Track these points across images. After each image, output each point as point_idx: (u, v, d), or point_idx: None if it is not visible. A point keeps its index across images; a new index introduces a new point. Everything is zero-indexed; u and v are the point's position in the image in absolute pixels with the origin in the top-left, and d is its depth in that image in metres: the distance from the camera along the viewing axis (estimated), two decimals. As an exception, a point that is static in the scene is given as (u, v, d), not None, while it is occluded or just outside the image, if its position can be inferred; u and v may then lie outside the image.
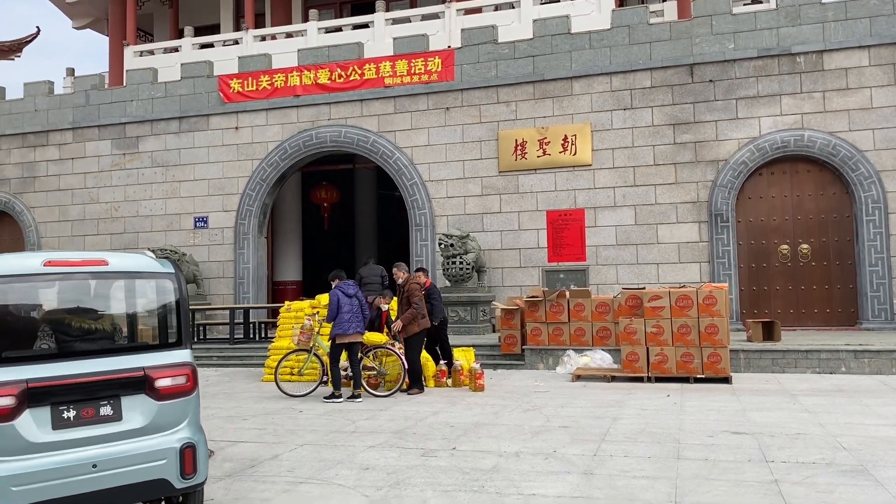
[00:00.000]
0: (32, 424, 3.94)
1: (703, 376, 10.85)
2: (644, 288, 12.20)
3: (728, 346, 10.95)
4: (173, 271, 4.79)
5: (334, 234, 23.19)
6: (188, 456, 4.44)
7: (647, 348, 11.13)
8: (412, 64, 17.07)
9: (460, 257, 15.15)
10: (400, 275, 11.18)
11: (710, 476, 5.82)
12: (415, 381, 10.55)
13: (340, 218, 23.07)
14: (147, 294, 4.74)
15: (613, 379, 11.27)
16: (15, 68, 45.64)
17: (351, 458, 6.68)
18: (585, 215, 15.86)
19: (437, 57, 16.93)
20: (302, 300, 14.01)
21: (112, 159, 19.18)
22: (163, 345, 4.65)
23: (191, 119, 18.65)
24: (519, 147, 16.30)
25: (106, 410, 4.21)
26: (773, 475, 5.80)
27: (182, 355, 4.64)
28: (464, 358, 11.58)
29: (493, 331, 15.49)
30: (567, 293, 12.92)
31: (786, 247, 15.12)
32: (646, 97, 15.68)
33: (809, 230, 15.11)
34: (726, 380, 10.76)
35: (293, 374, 11.47)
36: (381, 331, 11.28)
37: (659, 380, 11.03)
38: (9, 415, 3.86)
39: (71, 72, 22.74)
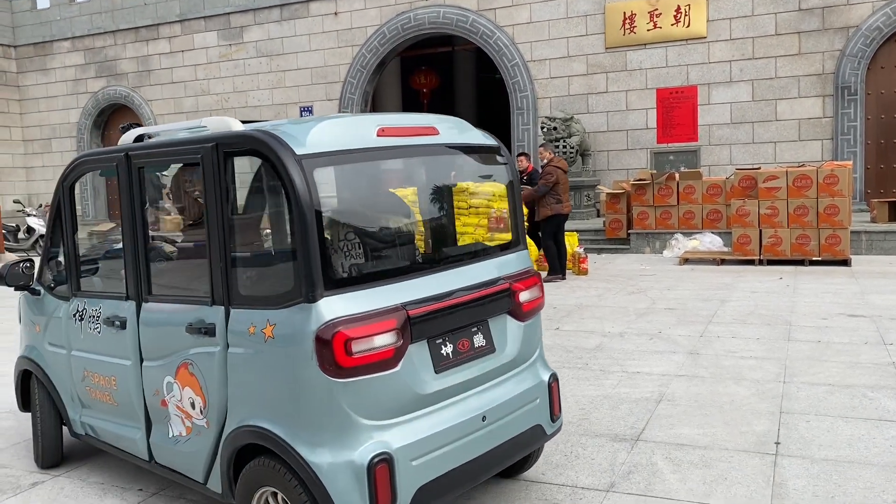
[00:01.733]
0: (416, 368, 2.85)
1: (819, 259, 10.43)
2: (759, 168, 11.63)
3: (849, 227, 10.41)
4: (501, 145, 3.62)
5: (436, 120, 23.04)
6: (555, 391, 3.48)
7: (760, 230, 10.74)
8: (513, -64, 16.20)
9: (564, 140, 14.83)
10: (525, 163, 10.91)
11: (822, 358, 5.71)
12: (552, 268, 10.20)
13: (440, 104, 22.89)
14: (484, 175, 3.66)
15: (723, 262, 11.00)
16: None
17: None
18: (698, 92, 15.04)
19: (539, -74, 15.98)
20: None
21: (219, 50, 19.59)
22: (507, 245, 3.52)
23: (292, 6, 18.65)
24: (627, 20, 15.43)
25: (479, 340, 3.14)
26: (890, 358, 5.62)
27: (526, 258, 3.55)
28: (567, 242, 11.57)
29: (598, 215, 15.30)
30: (676, 175, 12.51)
31: (921, 121, 13.91)
32: (768, -41, 14.35)
33: (950, 102, 13.78)
34: (845, 262, 10.30)
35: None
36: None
37: (771, 262, 10.69)
38: (392, 358, 2.73)
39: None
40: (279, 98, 19.05)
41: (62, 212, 3.97)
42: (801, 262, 10.53)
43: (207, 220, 3.04)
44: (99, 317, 3.66)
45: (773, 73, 14.51)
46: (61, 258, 4.09)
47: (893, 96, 14.09)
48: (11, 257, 16.63)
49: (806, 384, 5.09)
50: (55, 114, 22.07)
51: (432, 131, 3.26)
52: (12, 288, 4.17)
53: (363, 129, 3.00)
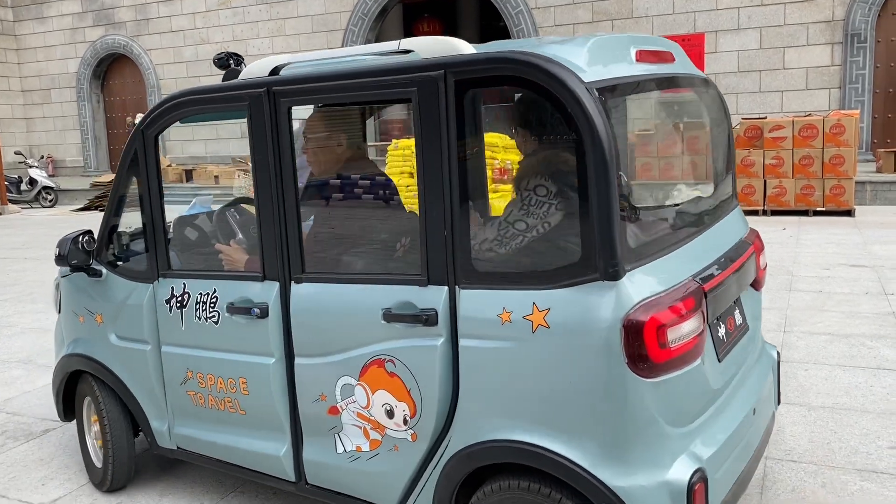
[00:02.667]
0: (706, 357, 2.32)
1: (822, 209, 10.40)
2: (766, 118, 11.52)
3: (854, 177, 10.35)
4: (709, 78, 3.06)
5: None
6: (778, 370, 3.03)
7: (765, 181, 10.69)
8: None
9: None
10: None
11: (823, 308, 5.74)
12: None
13: (444, 52, 22.53)
14: (711, 114, 2.95)
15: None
16: None
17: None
18: (705, 40, 14.79)
19: None
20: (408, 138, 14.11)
21: (218, -2, 19.26)
22: (731, 199, 3.03)
23: (291, -48, 18.25)
24: (633, -34, 15.09)
25: (738, 317, 2.67)
26: (891, 307, 5.66)
27: (742, 215, 3.09)
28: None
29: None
30: (681, 126, 12.39)
31: (931, 69, 13.70)
32: None
33: (962, 49, 13.55)
34: (848, 213, 10.28)
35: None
36: None
37: (775, 213, 10.67)
38: (696, 347, 2.19)
39: None
40: (279, 47, 18.78)
41: (142, 169, 3.04)
42: (804, 213, 10.51)
43: (424, 174, 2.30)
44: (215, 303, 2.87)
45: (781, 21, 14.24)
46: (128, 228, 3.31)
47: (904, 44, 13.85)
48: (14, 208, 16.65)
49: (806, 333, 5.14)
50: (54, 63, 21.81)
51: (671, 58, 2.70)
52: (69, 269, 3.37)
53: (622, 51, 2.41)
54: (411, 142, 12.66)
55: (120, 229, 3.30)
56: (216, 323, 2.87)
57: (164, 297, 3.03)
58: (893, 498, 3.07)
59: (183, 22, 19.84)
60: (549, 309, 2.11)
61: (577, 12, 15.74)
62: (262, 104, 2.65)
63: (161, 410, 3.21)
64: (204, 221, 3.64)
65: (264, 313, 2.70)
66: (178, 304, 2.98)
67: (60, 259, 3.24)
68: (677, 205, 2.61)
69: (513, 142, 3.18)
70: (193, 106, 2.90)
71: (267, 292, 2.71)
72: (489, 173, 11.35)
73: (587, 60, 2.19)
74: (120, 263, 3.25)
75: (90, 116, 21.35)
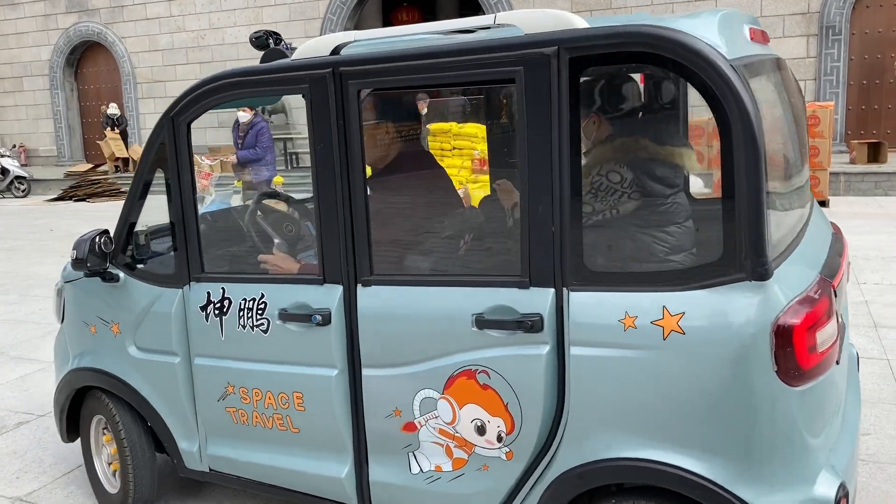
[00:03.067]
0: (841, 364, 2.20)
1: (798, 200, 10.52)
2: (741, 109, 11.61)
3: (828, 168, 10.48)
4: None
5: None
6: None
7: (741, 172, 10.79)
8: None
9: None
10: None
11: (797, 297, 5.82)
12: None
13: (423, 41, 22.42)
14: (795, 100, 2.68)
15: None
16: None
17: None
18: (682, 31, 14.86)
19: None
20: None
21: (194, -15, 19.00)
22: None
23: (268, -61, 18.05)
24: (612, -43, 15.10)
25: (840, 315, 2.38)
26: (864, 296, 5.75)
27: None
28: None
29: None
30: (780, 110, 12.44)
31: (904, 61, 13.88)
32: None
33: (934, 42, 13.74)
34: (823, 203, 10.41)
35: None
36: None
37: (751, 204, 10.77)
38: (834, 349, 2.05)
39: None
40: (257, 35, 18.56)
41: (170, 160, 2.69)
42: (779, 204, 10.62)
43: (529, 164, 2.07)
44: (263, 309, 2.56)
45: (758, 12, 14.35)
46: (145, 227, 2.99)
47: (878, 36, 14.01)
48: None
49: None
50: (26, 51, 21.41)
51: (768, 39, 2.50)
52: (82, 274, 2.98)
53: (741, 29, 2.21)
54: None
55: (147, 227, 2.99)
56: (265, 331, 2.56)
57: (197, 303, 2.70)
58: None
59: (158, 9, 19.56)
60: (683, 313, 1.91)
61: (557, 2, 15.74)
62: (326, 87, 2.34)
63: (190, 429, 2.88)
64: (233, 219, 3.32)
65: (326, 320, 2.41)
66: (217, 312, 2.66)
67: (79, 263, 2.88)
68: (790, 193, 2.41)
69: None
70: (237, 90, 2.56)
71: (328, 297, 2.43)
72: (468, 164, 11.38)
73: (721, 37, 1.96)
74: (140, 266, 2.91)
75: (63, 105, 21.01)
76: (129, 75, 20.07)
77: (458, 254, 2.61)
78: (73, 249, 2.89)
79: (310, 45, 2.47)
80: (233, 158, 8.75)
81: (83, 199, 15.92)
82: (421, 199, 2.94)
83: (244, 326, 2.61)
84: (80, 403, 3.26)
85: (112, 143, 17.75)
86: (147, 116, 19.94)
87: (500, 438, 2.22)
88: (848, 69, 14.10)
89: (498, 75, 2.10)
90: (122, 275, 2.91)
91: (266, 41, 2.93)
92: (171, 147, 2.68)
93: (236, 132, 8.70)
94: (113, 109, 17.69)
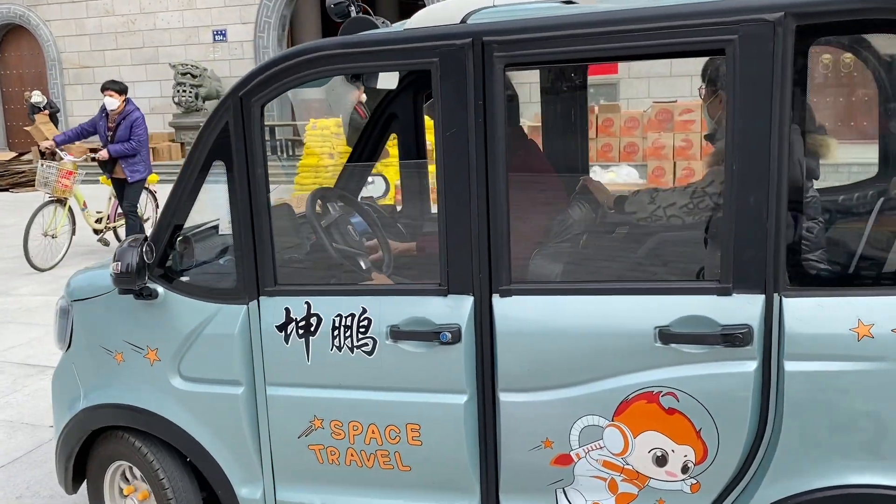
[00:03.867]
0: None
1: (729, 191, 10.85)
2: (676, 101, 11.89)
3: None
4: None
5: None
6: None
7: (675, 163, 11.05)
8: None
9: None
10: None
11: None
12: None
13: (363, 30, 22.22)
14: None
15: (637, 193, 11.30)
16: None
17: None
18: (618, 25, 15.10)
19: None
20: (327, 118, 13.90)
21: (123, -32, 18.35)
22: None
23: (201, -78, 17.56)
24: (550, -51, 15.21)
25: None
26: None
27: None
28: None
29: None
30: (595, 108, 12.65)
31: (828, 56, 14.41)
32: None
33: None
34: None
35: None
36: None
37: (684, 194, 11.05)
38: None
39: None
40: (190, 20, 18.07)
41: (236, 149, 2.24)
42: (711, 194, 10.93)
43: (737, 148, 1.81)
44: (366, 327, 2.17)
45: (691, 7, 14.68)
46: (194, 231, 2.58)
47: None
48: None
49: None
50: (-59, 33, 20.37)
51: None
52: (118, 290, 2.43)
53: None
54: (330, 121, 12.48)
55: (193, 233, 2.58)
56: (369, 353, 2.17)
57: (273, 321, 2.26)
58: None
59: (85, -8, 18.84)
60: None
61: (496, -7, 15.76)
62: (462, 61, 1.98)
63: (253, 472, 2.42)
64: (296, 217, 2.88)
65: (455, 338, 2.05)
66: (302, 331, 2.23)
67: (125, 279, 2.31)
68: None
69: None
70: (333, 65, 2.14)
71: (455, 310, 2.07)
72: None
73: None
74: (185, 279, 2.45)
75: (-16, 90, 20.08)
76: (54, 60, 19.28)
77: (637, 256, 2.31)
78: (116, 261, 2.33)
79: (433, 11, 2.09)
80: (103, 153, 7.60)
81: (6, 190, 15.26)
82: (565, 193, 2.60)
83: (340, 348, 2.19)
84: (87, 449, 2.74)
85: (43, 128, 16.99)
86: (74, 103, 19.21)
87: (685, 469, 1.95)
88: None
89: (701, 45, 1.81)
90: (160, 290, 2.40)
91: (347, 8, 2.54)
92: (237, 133, 2.22)
93: (104, 123, 7.68)
94: (37, 97, 16.98)
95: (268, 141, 16.02)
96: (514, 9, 2.09)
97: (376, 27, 2.41)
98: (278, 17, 17.44)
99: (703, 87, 2.49)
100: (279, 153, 16.38)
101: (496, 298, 2.05)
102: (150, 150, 8.89)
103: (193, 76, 16.84)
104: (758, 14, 1.72)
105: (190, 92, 16.83)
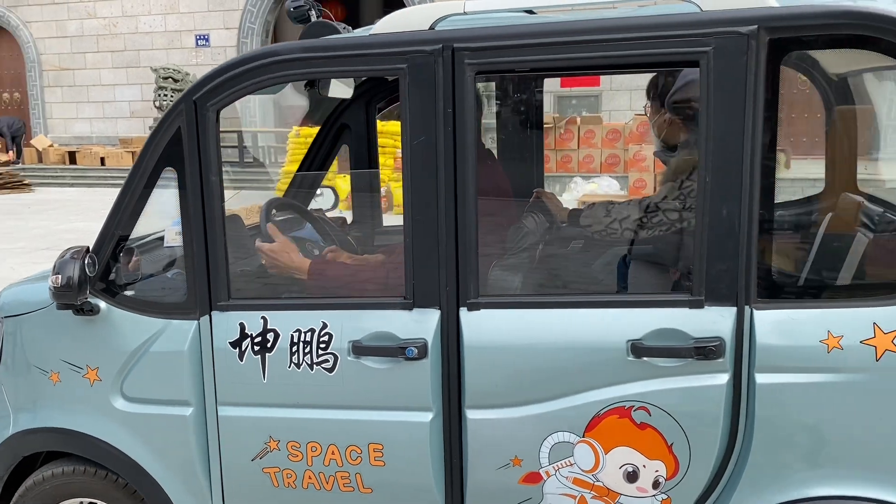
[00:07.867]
0: None
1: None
2: (656, 114, 12.03)
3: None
4: None
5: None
6: None
7: (655, 175, 11.13)
8: None
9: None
10: None
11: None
12: None
13: (347, 38, 22.22)
14: None
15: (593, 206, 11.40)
16: None
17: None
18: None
19: None
20: (310, 126, 13.87)
21: (106, -30, 18.23)
22: None
23: (185, -74, 17.50)
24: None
25: None
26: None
27: None
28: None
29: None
30: (578, 120, 12.74)
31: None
32: None
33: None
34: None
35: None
36: None
37: (664, 207, 11.15)
38: None
39: None
40: (173, 25, 17.98)
41: (190, 155, 2.13)
42: (691, 207, 11.04)
43: (712, 160, 1.82)
44: (327, 343, 2.09)
45: (673, 21, 14.84)
46: (138, 243, 2.45)
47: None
48: None
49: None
50: (-82, 32, 20.10)
51: None
52: (58, 307, 2.25)
53: None
54: (314, 129, 12.38)
55: (140, 245, 2.46)
56: (330, 370, 2.07)
57: (226, 337, 2.15)
58: None
59: (66, -6, 18.69)
60: None
61: (480, 4, 15.85)
62: (432, 68, 1.93)
63: (202, 499, 2.29)
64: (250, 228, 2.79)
65: (422, 353, 1.98)
66: (258, 348, 2.12)
67: (67, 293, 2.13)
68: None
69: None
70: (296, 70, 2.07)
71: (421, 325, 2.00)
72: (391, 163, 11.27)
73: None
74: (130, 293, 2.30)
75: (-39, 91, 19.82)
76: (34, 62, 19.08)
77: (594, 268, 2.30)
78: (56, 274, 2.15)
79: (399, 17, 2.05)
80: None
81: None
82: (522, 205, 2.60)
83: (299, 365, 2.09)
84: (18, 477, 2.53)
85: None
86: (53, 106, 19.03)
87: (656, 484, 1.93)
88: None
89: (675, 57, 1.82)
90: (102, 305, 2.24)
91: (307, 12, 2.48)
92: (191, 139, 2.11)
93: None
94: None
95: (248, 147, 15.99)
96: (482, 17, 2.07)
97: (338, 32, 2.38)
98: (262, 22, 17.40)
99: (649, 104, 2.48)
100: (262, 159, 16.30)
101: (464, 312, 1.99)
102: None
103: (175, 80, 16.75)
104: (732, 27, 1.74)
105: (171, 96, 16.74)
